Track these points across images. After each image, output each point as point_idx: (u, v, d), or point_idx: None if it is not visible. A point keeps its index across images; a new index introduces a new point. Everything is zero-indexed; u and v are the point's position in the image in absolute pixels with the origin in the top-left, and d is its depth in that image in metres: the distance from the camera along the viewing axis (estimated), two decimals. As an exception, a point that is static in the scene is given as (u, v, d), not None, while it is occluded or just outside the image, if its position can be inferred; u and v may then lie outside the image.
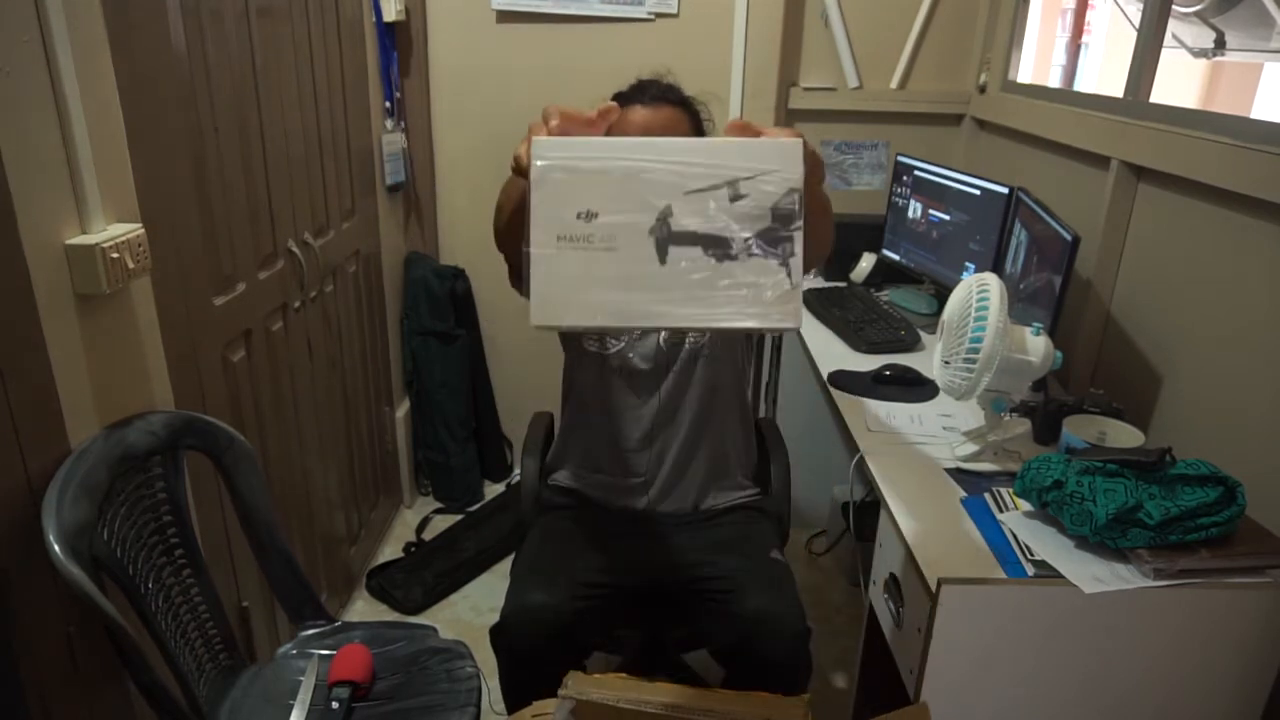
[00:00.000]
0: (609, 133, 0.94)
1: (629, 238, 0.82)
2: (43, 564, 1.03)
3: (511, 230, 1.20)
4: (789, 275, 0.81)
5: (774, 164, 0.80)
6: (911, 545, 1.27)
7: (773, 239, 0.81)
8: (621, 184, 0.81)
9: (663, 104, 1.48)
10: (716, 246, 0.82)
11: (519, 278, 0.97)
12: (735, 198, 0.80)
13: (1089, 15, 4.66)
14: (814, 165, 0.90)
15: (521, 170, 0.88)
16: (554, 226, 0.82)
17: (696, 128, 1.53)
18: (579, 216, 0.82)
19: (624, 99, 1.51)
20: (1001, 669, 1.24)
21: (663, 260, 0.82)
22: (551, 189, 0.82)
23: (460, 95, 2.65)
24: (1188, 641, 1.21)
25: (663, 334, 1.55)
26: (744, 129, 0.89)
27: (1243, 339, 1.42)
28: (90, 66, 1.16)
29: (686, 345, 1.56)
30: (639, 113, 1.47)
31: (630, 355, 1.57)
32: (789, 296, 0.81)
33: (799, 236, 0.81)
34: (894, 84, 2.63)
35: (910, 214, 2.44)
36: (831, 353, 2.02)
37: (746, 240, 0.81)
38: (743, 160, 0.80)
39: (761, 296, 0.81)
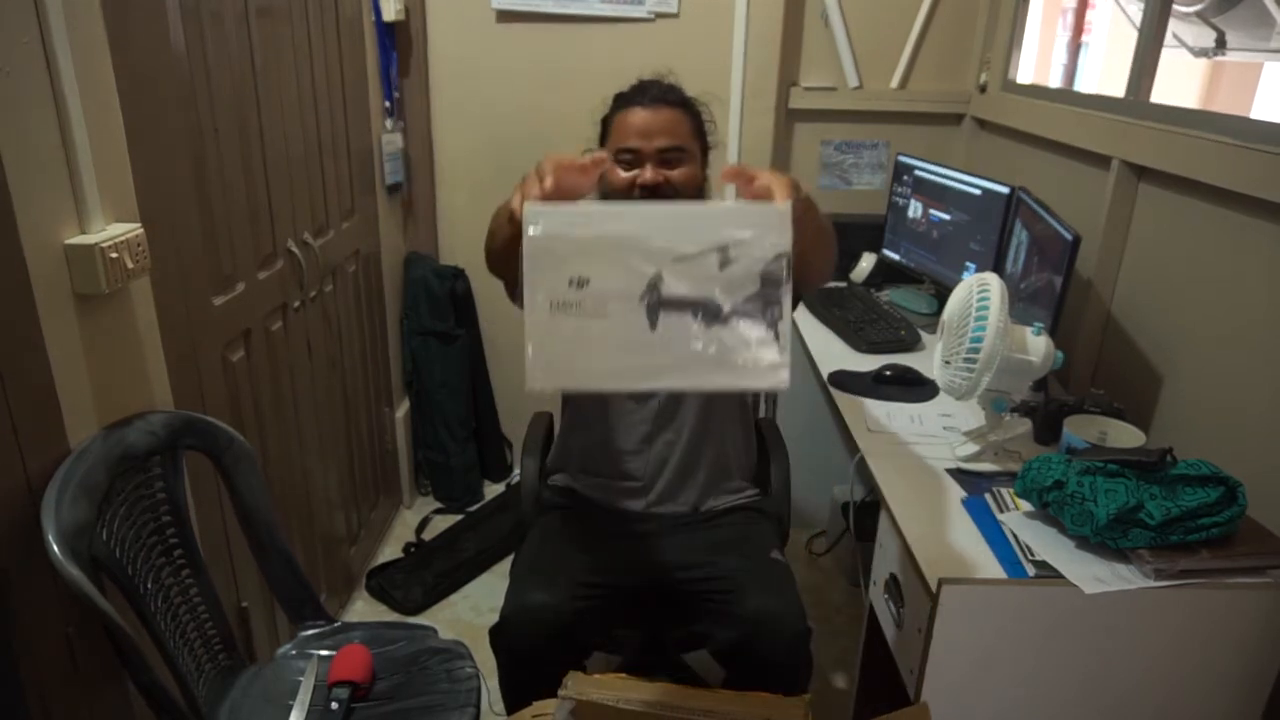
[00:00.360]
0: (612, 145, 0.94)
1: (620, 304, 0.83)
2: (42, 564, 1.03)
3: (505, 258, 1.19)
4: (777, 339, 0.82)
5: (762, 230, 0.81)
6: (911, 545, 1.27)
7: (761, 304, 0.82)
8: (612, 251, 0.82)
9: (662, 105, 1.48)
10: (707, 311, 0.83)
11: (515, 293, 0.99)
12: (724, 263, 0.82)
13: (1089, 15, 4.66)
14: (806, 207, 0.90)
15: (515, 223, 0.89)
16: (547, 294, 0.84)
17: (697, 128, 1.53)
18: (571, 284, 0.83)
19: (624, 100, 1.52)
20: (1002, 669, 1.23)
21: (654, 326, 0.84)
22: (543, 257, 0.84)
23: (460, 95, 2.64)
24: (1188, 641, 1.21)
25: None
26: (738, 175, 0.90)
27: (1243, 339, 1.42)
28: (90, 66, 1.16)
29: None
30: (638, 114, 1.48)
31: None
32: (777, 360, 0.82)
33: (787, 300, 0.82)
34: (894, 84, 2.63)
35: (910, 214, 2.44)
36: (831, 353, 2.02)
37: (736, 305, 0.82)
38: (732, 227, 0.81)
39: (750, 360, 0.83)
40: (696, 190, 1.52)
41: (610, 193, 1.52)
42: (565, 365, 0.86)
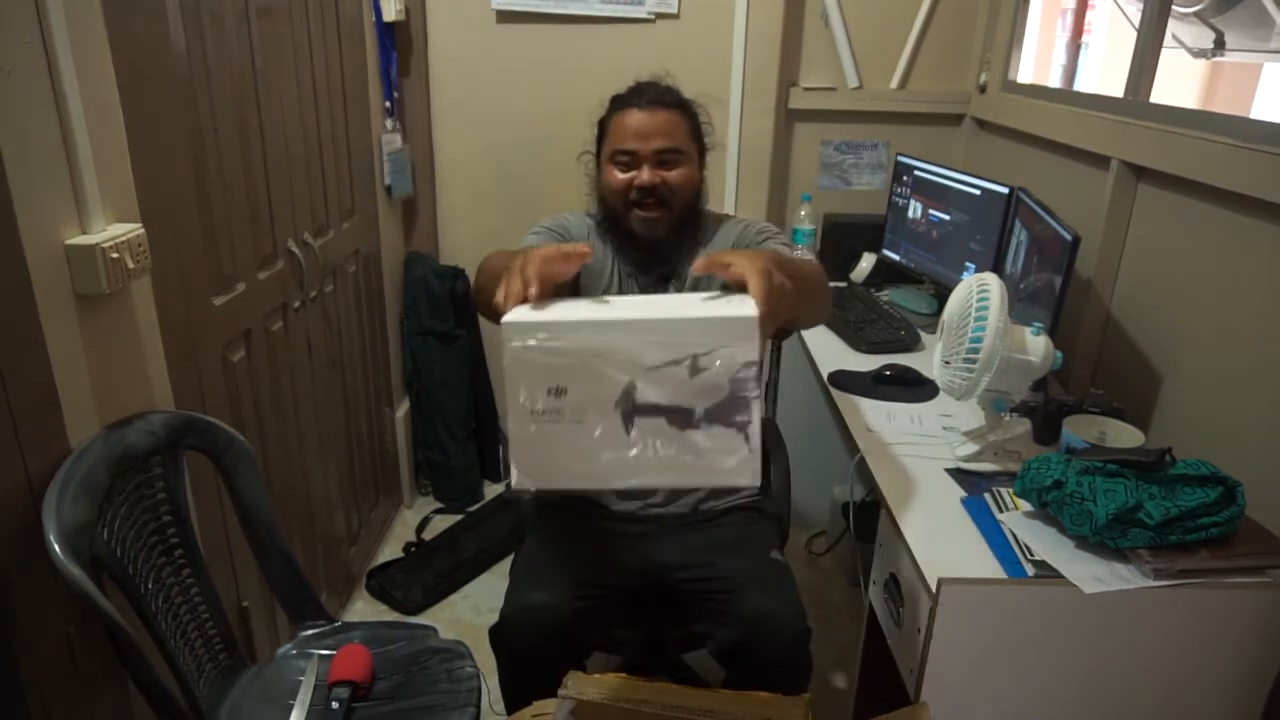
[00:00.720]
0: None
1: (597, 412, 0.87)
2: (43, 564, 1.03)
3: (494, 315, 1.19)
4: (747, 441, 0.86)
5: (729, 340, 0.85)
6: (911, 545, 1.27)
7: (730, 409, 0.86)
8: (588, 362, 0.86)
9: (659, 107, 1.48)
10: (679, 417, 0.87)
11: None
12: (695, 372, 0.85)
13: (1089, 15, 4.66)
14: (780, 295, 0.95)
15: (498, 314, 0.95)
16: (528, 401, 0.89)
17: (694, 129, 1.53)
18: (550, 393, 0.88)
19: (621, 102, 1.52)
20: (1001, 669, 1.24)
21: (628, 430, 0.88)
22: (524, 369, 0.89)
23: (460, 95, 2.64)
24: (1188, 641, 1.21)
25: None
26: (711, 265, 0.96)
27: (1242, 339, 1.42)
28: (90, 66, 1.16)
29: None
30: (635, 116, 1.47)
31: None
32: (747, 460, 0.86)
33: (756, 404, 0.85)
34: (894, 84, 2.63)
35: (910, 214, 2.44)
36: (831, 353, 2.02)
37: (706, 411, 0.85)
38: (701, 337, 0.85)
39: (721, 462, 0.87)
40: (694, 191, 1.52)
41: (607, 194, 1.52)
42: (547, 467, 0.91)
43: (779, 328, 1.32)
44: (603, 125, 1.55)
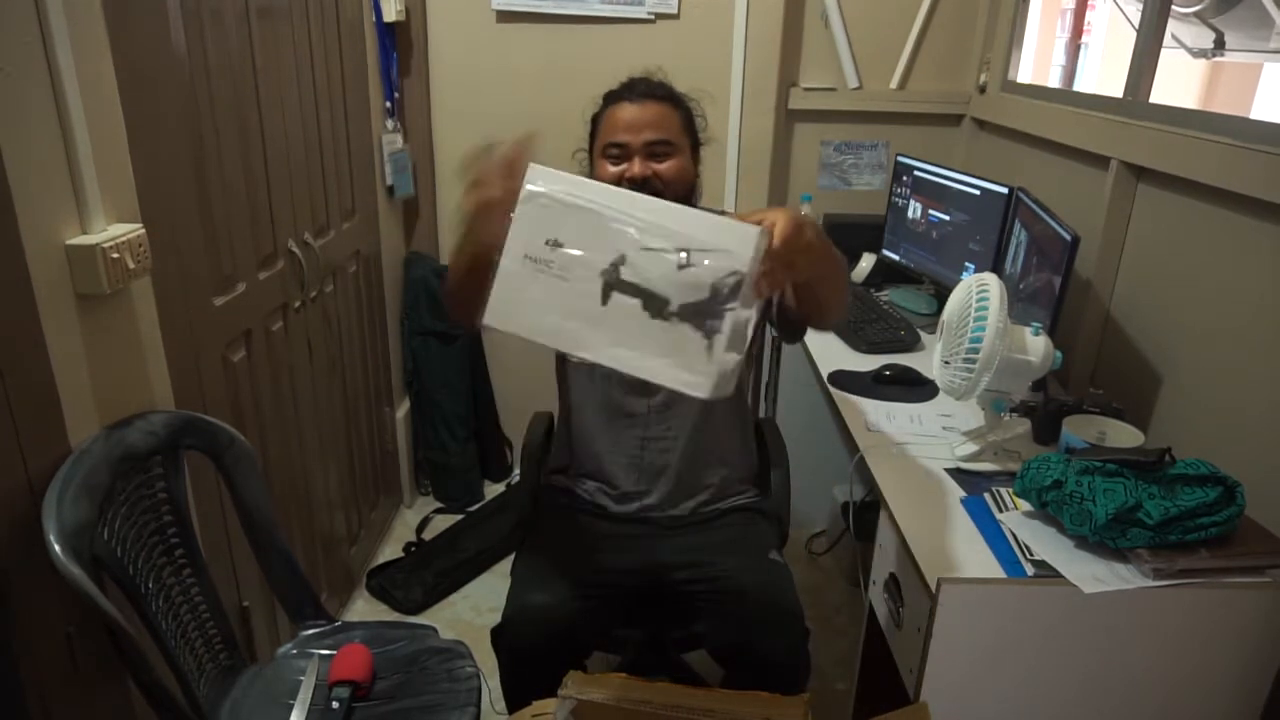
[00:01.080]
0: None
1: (581, 272, 0.89)
2: (43, 564, 1.03)
3: (468, 285, 1.18)
4: (709, 349, 0.86)
5: (726, 244, 0.86)
6: (911, 545, 1.27)
7: (703, 312, 0.86)
8: (592, 225, 0.88)
9: (649, 100, 1.47)
10: (653, 303, 0.88)
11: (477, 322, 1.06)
12: (683, 265, 0.86)
13: (1089, 15, 4.66)
14: (807, 244, 0.95)
15: (475, 243, 1.00)
16: (524, 246, 0.91)
17: (687, 123, 1.52)
18: (547, 242, 0.91)
19: (613, 96, 1.51)
20: (1001, 669, 1.24)
21: (604, 301, 0.90)
22: (534, 213, 0.91)
23: (460, 95, 2.65)
24: (1188, 641, 1.21)
25: None
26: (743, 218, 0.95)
27: (1242, 339, 1.42)
28: (90, 66, 1.16)
29: None
30: (626, 109, 1.47)
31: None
32: (704, 368, 0.87)
33: (730, 316, 0.85)
34: (894, 84, 2.63)
35: (910, 214, 2.44)
36: (831, 353, 2.02)
37: (681, 307, 0.86)
38: (700, 233, 0.86)
39: (679, 360, 0.87)
40: (687, 185, 1.51)
41: None
42: (519, 313, 0.93)
43: (798, 295, 1.32)
44: (595, 121, 1.54)
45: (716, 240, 0.86)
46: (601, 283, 0.90)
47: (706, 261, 0.86)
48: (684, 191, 1.50)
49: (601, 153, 1.49)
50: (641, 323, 0.89)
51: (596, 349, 0.91)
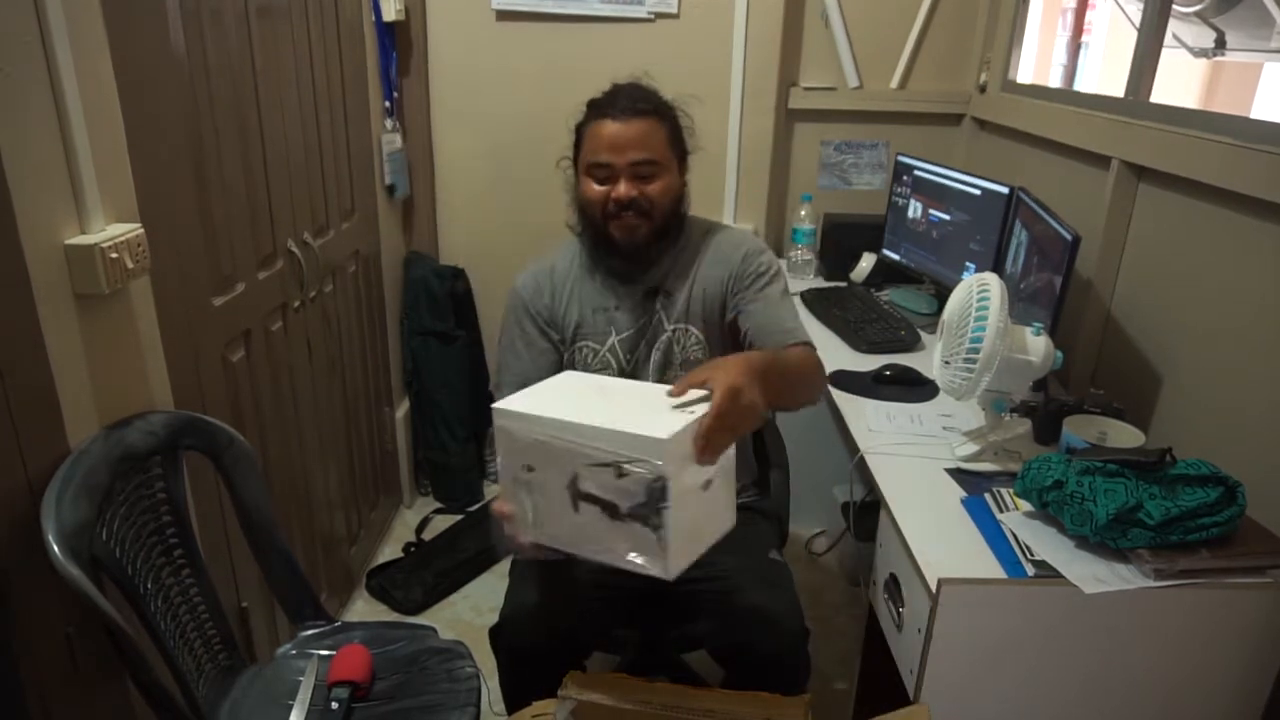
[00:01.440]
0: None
1: (553, 489, 1.08)
2: (42, 564, 1.03)
3: None
4: (659, 542, 1.02)
5: (643, 454, 1.00)
6: (911, 545, 1.27)
7: (646, 511, 1.01)
8: (549, 451, 1.07)
9: (633, 116, 1.44)
10: (608, 508, 1.04)
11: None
12: (620, 475, 1.02)
13: (1089, 15, 4.66)
14: (732, 400, 1.06)
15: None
16: (510, 472, 1.12)
17: (673, 136, 1.49)
18: (524, 468, 1.10)
19: (596, 109, 1.47)
20: (1001, 669, 1.24)
21: (575, 509, 1.07)
22: (505, 444, 1.11)
23: (460, 95, 2.64)
24: (1188, 641, 1.21)
25: (657, 346, 1.56)
26: (687, 385, 1.09)
27: (1243, 339, 1.42)
28: (90, 66, 1.16)
29: (678, 353, 1.55)
30: (609, 127, 1.43)
31: (610, 359, 1.57)
32: (660, 555, 1.03)
33: (668, 513, 1.00)
34: (894, 84, 2.63)
35: (910, 214, 2.44)
36: (831, 353, 2.02)
37: (629, 509, 1.02)
38: (624, 450, 1.01)
39: (640, 551, 1.04)
40: (675, 200, 1.49)
41: (585, 205, 1.49)
42: (529, 524, 1.13)
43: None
44: (579, 131, 1.50)
45: (635, 452, 1.00)
46: (569, 494, 1.07)
47: (636, 470, 1.00)
48: (671, 206, 1.48)
49: (586, 171, 1.47)
50: (606, 524, 1.05)
51: (584, 548, 1.09)
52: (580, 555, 1.11)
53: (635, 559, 1.05)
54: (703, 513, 1.10)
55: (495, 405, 1.12)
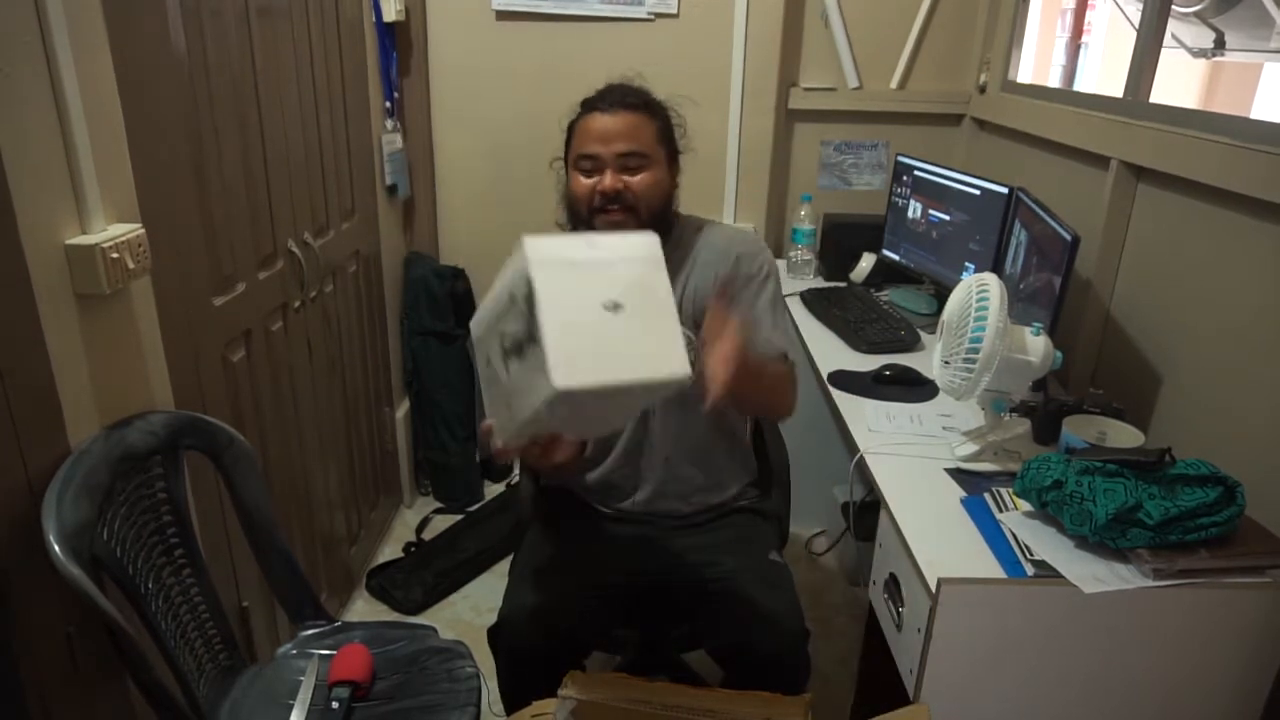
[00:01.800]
0: None
1: (497, 367, 1.08)
2: (43, 564, 1.03)
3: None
4: (543, 350, 0.94)
5: (520, 269, 0.98)
6: (911, 545, 1.27)
7: (532, 326, 0.96)
8: (488, 333, 1.08)
9: (622, 110, 1.44)
10: (516, 348, 1.01)
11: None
12: (512, 302, 1.01)
13: (1089, 15, 4.66)
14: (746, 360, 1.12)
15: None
16: (484, 388, 1.15)
17: (663, 132, 1.48)
18: (485, 366, 1.12)
19: (587, 105, 1.48)
20: (1001, 669, 1.24)
21: (508, 373, 1.04)
22: (553, 278, 0.99)
23: (460, 95, 2.65)
24: (1188, 641, 1.21)
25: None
26: (720, 297, 1.15)
27: (1243, 339, 1.42)
28: (90, 66, 1.16)
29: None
30: (598, 119, 1.44)
31: None
32: (545, 367, 0.94)
33: (540, 313, 0.95)
34: (894, 84, 2.63)
35: (910, 214, 2.44)
36: (831, 353, 2.02)
37: (523, 333, 0.99)
38: (514, 285, 1.00)
39: (540, 373, 0.96)
40: (662, 197, 1.47)
41: (572, 200, 1.49)
42: (505, 426, 1.14)
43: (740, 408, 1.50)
44: (571, 129, 1.50)
45: (517, 275, 0.98)
46: (504, 364, 1.05)
47: (519, 291, 0.98)
48: (658, 203, 1.47)
49: (574, 164, 1.47)
50: (526, 369, 0.99)
51: (526, 408, 1.01)
52: (530, 417, 1.02)
53: (540, 383, 0.94)
54: (610, 334, 0.98)
55: (527, 239, 1.03)
